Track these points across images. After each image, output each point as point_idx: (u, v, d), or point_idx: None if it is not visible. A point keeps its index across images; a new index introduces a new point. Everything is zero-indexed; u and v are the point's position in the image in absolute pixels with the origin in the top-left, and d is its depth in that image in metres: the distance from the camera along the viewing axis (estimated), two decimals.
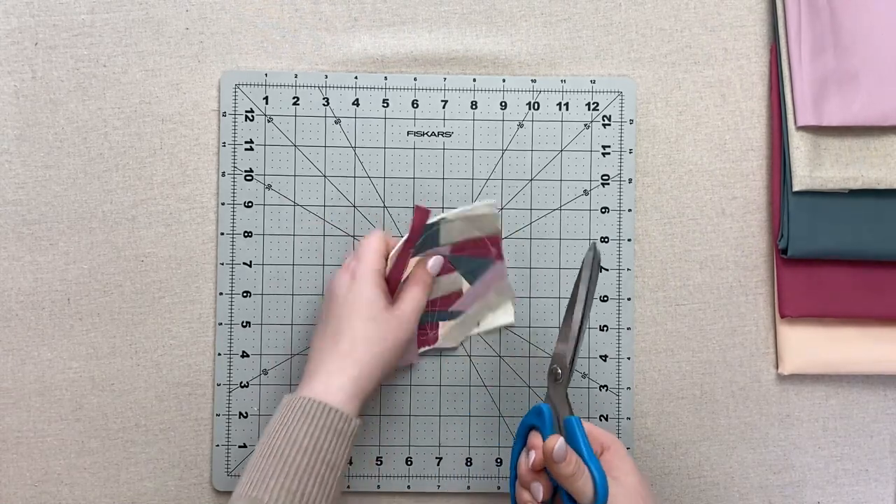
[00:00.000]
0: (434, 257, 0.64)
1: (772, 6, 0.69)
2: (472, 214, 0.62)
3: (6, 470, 0.68)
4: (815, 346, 0.68)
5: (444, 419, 0.68)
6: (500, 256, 0.65)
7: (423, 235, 0.61)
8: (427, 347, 0.67)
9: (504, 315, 0.68)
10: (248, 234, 0.68)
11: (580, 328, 0.58)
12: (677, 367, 0.69)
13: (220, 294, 0.68)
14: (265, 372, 0.68)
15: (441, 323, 0.67)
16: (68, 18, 0.68)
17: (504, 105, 0.69)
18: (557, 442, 0.54)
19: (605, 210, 0.68)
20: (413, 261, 0.63)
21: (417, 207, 0.59)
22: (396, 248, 0.61)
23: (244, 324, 0.68)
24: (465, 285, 0.66)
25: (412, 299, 0.61)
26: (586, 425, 0.57)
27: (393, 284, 0.62)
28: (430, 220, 0.61)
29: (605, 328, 0.68)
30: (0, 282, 0.68)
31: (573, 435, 0.55)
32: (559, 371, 0.58)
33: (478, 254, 0.65)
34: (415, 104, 0.68)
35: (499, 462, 0.68)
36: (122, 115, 0.68)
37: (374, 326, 0.59)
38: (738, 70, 0.70)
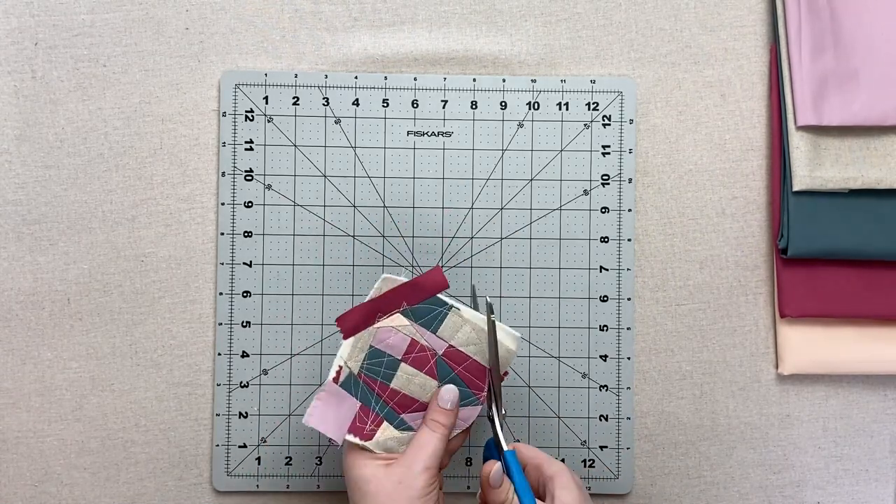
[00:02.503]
0: (448, 387, 0.57)
1: (772, 6, 0.69)
2: (490, 333, 0.57)
3: (6, 470, 0.68)
4: (815, 346, 0.68)
5: None
6: (483, 400, 0.58)
7: (425, 302, 0.57)
8: (353, 438, 0.57)
9: None
10: (248, 234, 0.68)
11: (491, 375, 0.58)
12: (677, 367, 0.69)
13: (220, 294, 0.68)
14: (265, 372, 0.68)
15: (385, 424, 0.57)
16: (68, 18, 0.68)
17: (504, 105, 0.69)
18: (494, 468, 0.55)
19: (605, 210, 0.68)
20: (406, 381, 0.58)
21: (438, 267, 0.58)
22: (389, 283, 0.58)
23: (244, 324, 0.68)
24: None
25: (420, 449, 0.55)
26: (533, 453, 0.58)
27: (357, 316, 0.58)
28: (442, 296, 0.58)
29: (605, 328, 0.68)
30: (0, 282, 0.68)
31: (509, 469, 0.56)
32: (491, 414, 0.58)
33: (468, 381, 0.58)
34: (415, 104, 0.68)
35: None
36: (122, 115, 0.68)
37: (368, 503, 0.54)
38: (738, 70, 0.70)
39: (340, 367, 0.58)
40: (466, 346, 0.58)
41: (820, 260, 0.67)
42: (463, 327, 0.58)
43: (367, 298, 0.58)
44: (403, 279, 0.58)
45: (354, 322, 0.58)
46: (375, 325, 0.58)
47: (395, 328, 0.58)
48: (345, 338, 0.58)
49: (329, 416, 0.57)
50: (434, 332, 0.58)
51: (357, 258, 0.68)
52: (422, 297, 0.58)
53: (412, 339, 0.58)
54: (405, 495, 0.53)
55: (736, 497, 0.69)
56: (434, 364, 0.58)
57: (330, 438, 0.57)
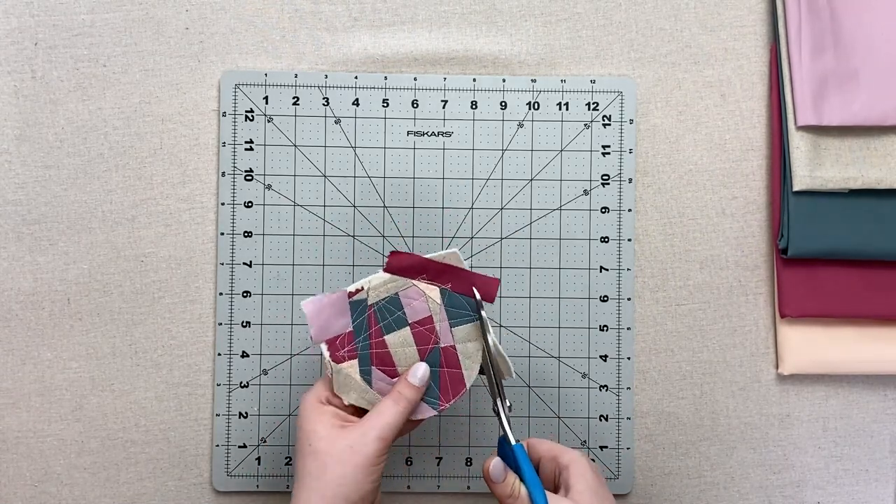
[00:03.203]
0: (422, 366, 0.58)
1: (772, 6, 0.69)
2: (485, 348, 0.58)
3: (6, 470, 0.68)
4: (815, 346, 0.68)
5: (443, 419, 0.68)
6: (444, 410, 0.59)
7: (465, 298, 0.59)
8: (325, 350, 0.58)
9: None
10: (248, 234, 0.68)
11: (491, 369, 0.58)
12: (677, 367, 0.69)
13: (220, 294, 0.68)
14: (265, 372, 0.68)
15: (355, 362, 0.58)
16: (68, 18, 0.68)
17: (504, 105, 0.69)
18: (493, 462, 0.55)
19: (605, 210, 0.68)
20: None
21: (497, 280, 0.59)
22: (452, 259, 0.59)
23: (244, 324, 0.68)
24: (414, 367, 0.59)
25: (378, 417, 0.55)
26: (547, 446, 0.58)
27: (410, 263, 0.58)
28: (477, 300, 0.58)
29: (605, 328, 0.68)
30: (0, 282, 0.68)
31: (516, 462, 0.56)
32: (496, 408, 0.58)
33: (443, 385, 0.59)
34: (415, 104, 0.68)
35: None
36: (122, 115, 0.68)
37: (313, 460, 0.54)
38: (738, 70, 0.70)
39: (362, 288, 0.58)
40: (465, 359, 0.58)
41: (820, 260, 0.67)
42: (475, 341, 0.58)
43: (428, 256, 0.59)
44: (466, 266, 0.59)
45: (403, 265, 0.59)
46: (413, 281, 0.59)
47: (428, 297, 0.59)
48: (385, 270, 0.59)
49: (323, 316, 0.58)
50: (451, 326, 0.58)
51: (357, 258, 0.68)
52: (466, 292, 0.59)
53: (431, 315, 0.59)
54: (353, 461, 0.53)
55: (736, 497, 0.69)
56: (430, 349, 0.59)
57: (310, 332, 0.57)
